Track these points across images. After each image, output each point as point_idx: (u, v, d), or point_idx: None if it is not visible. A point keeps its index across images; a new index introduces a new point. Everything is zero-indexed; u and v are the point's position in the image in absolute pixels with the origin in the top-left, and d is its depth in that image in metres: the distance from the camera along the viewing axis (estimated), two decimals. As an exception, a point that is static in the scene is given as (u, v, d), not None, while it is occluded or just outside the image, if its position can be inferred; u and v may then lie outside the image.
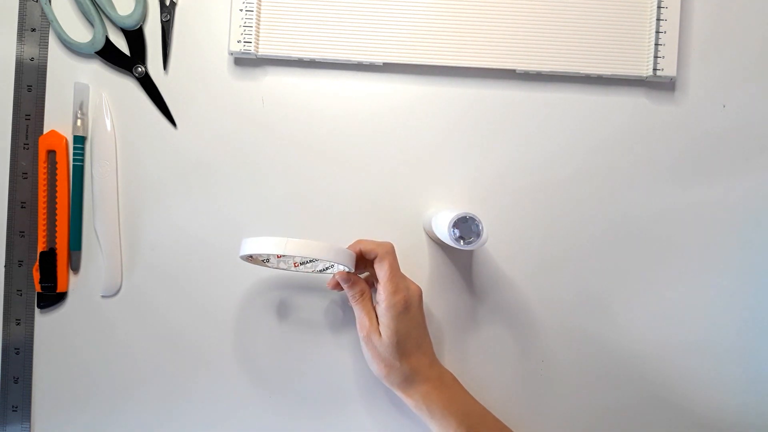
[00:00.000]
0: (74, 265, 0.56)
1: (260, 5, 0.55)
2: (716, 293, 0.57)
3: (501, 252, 0.57)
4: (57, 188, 0.56)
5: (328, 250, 0.48)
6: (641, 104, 0.57)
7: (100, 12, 0.56)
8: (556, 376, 0.57)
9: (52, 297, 0.56)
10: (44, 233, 0.55)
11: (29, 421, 0.56)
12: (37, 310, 0.56)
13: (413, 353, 0.51)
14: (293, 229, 0.57)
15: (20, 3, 0.56)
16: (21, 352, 0.56)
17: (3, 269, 0.56)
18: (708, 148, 0.57)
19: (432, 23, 0.55)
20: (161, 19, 0.56)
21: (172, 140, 0.57)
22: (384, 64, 0.56)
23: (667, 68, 0.55)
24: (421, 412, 0.51)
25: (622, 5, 0.55)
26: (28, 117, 0.56)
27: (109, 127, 0.56)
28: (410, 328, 0.51)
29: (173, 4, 0.56)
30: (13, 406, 0.56)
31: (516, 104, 0.57)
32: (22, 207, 0.56)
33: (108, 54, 0.56)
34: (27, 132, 0.56)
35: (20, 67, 0.56)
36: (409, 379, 0.51)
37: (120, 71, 0.57)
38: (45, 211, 0.55)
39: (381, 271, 0.50)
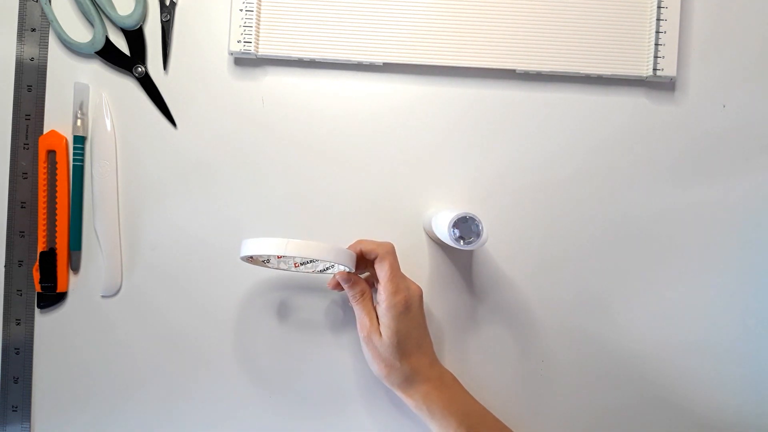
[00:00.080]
0: (74, 265, 0.56)
1: (260, 5, 0.55)
2: (716, 293, 0.57)
3: (501, 252, 0.57)
4: (57, 188, 0.56)
5: (329, 250, 0.48)
6: (641, 104, 0.57)
7: (100, 12, 0.56)
8: (556, 376, 0.57)
9: (52, 297, 0.56)
10: (44, 233, 0.55)
11: (29, 421, 0.56)
12: (37, 310, 0.56)
13: (413, 353, 0.51)
14: (293, 229, 0.57)
15: (20, 3, 0.56)
16: (21, 352, 0.56)
17: (3, 269, 0.56)
18: (708, 148, 0.57)
19: (432, 23, 0.55)
20: (161, 19, 0.56)
21: (172, 140, 0.57)
22: (384, 64, 0.56)
23: (667, 68, 0.55)
24: (422, 412, 0.51)
25: (622, 5, 0.55)
26: (28, 117, 0.56)
27: (109, 127, 0.56)
28: (411, 329, 0.51)
29: (173, 4, 0.56)
30: (13, 406, 0.56)
31: (516, 104, 0.57)
32: (22, 207, 0.56)
33: (108, 54, 0.56)
34: (27, 132, 0.56)
35: (20, 67, 0.56)
36: (409, 380, 0.51)
37: (120, 71, 0.57)
38: (45, 211, 0.55)
39: (381, 271, 0.50)
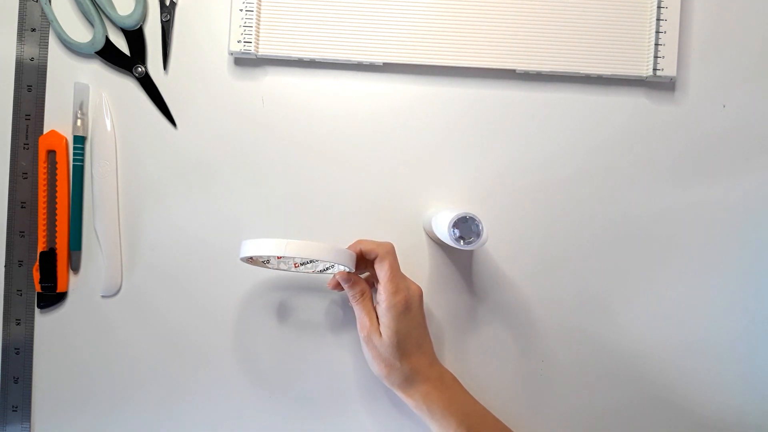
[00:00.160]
0: (74, 265, 0.56)
1: (260, 5, 0.55)
2: (716, 293, 0.57)
3: (501, 252, 0.57)
4: (57, 188, 0.56)
5: (329, 250, 0.48)
6: (641, 104, 0.57)
7: (100, 12, 0.56)
8: (556, 376, 0.57)
9: (52, 297, 0.56)
10: (44, 233, 0.55)
11: (29, 421, 0.56)
12: (37, 310, 0.56)
13: (413, 353, 0.51)
14: (293, 229, 0.57)
15: (20, 3, 0.56)
16: (21, 352, 0.56)
17: (3, 269, 0.56)
18: (708, 148, 0.57)
19: (432, 23, 0.55)
20: (161, 19, 0.56)
21: (172, 140, 0.57)
22: (384, 64, 0.56)
23: (667, 68, 0.55)
24: (422, 412, 0.51)
25: (622, 5, 0.55)
26: (28, 117, 0.56)
27: (109, 127, 0.56)
28: (410, 328, 0.51)
29: (173, 4, 0.56)
30: (13, 406, 0.56)
31: (516, 104, 0.57)
32: (22, 207, 0.56)
33: (108, 54, 0.56)
34: (27, 132, 0.56)
35: (20, 67, 0.56)
36: (409, 379, 0.51)
37: (120, 71, 0.57)
38: (45, 211, 0.55)
39: (381, 271, 0.50)
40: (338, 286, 0.52)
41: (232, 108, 0.57)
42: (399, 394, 0.52)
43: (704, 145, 0.57)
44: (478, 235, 0.48)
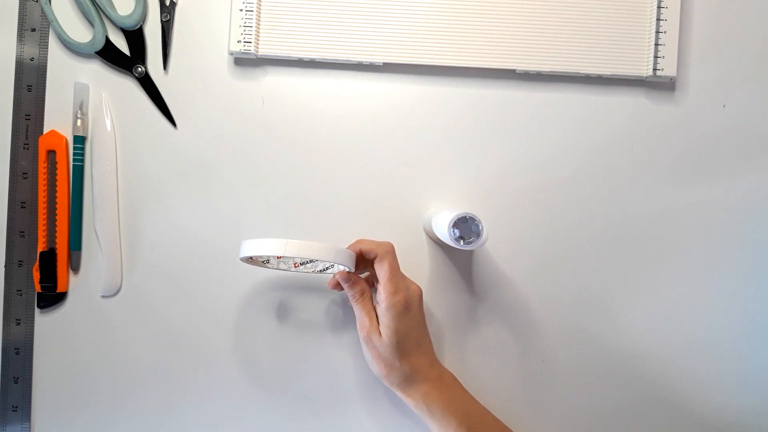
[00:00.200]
0: (74, 265, 0.56)
1: (260, 5, 0.55)
2: (716, 293, 0.57)
3: (501, 252, 0.57)
4: (57, 188, 0.56)
5: (328, 250, 0.48)
6: (641, 104, 0.57)
7: (100, 12, 0.56)
8: (556, 376, 0.57)
9: (52, 297, 0.56)
10: (44, 233, 0.55)
11: (29, 421, 0.56)
12: (37, 310, 0.56)
13: (413, 353, 0.51)
14: (293, 229, 0.57)
15: (20, 3, 0.56)
16: (21, 352, 0.56)
17: (3, 269, 0.56)
18: (708, 148, 0.57)
19: (432, 23, 0.55)
20: (161, 19, 0.56)
21: (172, 140, 0.57)
22: (384, 64, 0.56)
23: (667, 68, 0.55)
24: (422, 412, 0.51)
25: (622, 5, 0.55)
26: (28, 117, 0.56)
27: (109, 127, 0.56)
28: (410, 328, 0.51)
29: (173, 4, 0.56)
30: (13, 406, 0.56)
31: (516, 104, 0.57)
32: (22, 207, 0.56)
33: (108, 54, 0.56)
34: (27, 132, 0.56)
35: (20, 67, 0.56)
36: (409, 379, 0.51)
37: (120, 71, 0.57)
38: (45, 211, 0.55)
39: (381, 271, 0.50)
40: (338, 286, 0.52)
41: (232, 108, 0.57)
42: (399, 393, 0.52)
43: (704, 145, 0.57)
44: (478, 235, 0.48)
